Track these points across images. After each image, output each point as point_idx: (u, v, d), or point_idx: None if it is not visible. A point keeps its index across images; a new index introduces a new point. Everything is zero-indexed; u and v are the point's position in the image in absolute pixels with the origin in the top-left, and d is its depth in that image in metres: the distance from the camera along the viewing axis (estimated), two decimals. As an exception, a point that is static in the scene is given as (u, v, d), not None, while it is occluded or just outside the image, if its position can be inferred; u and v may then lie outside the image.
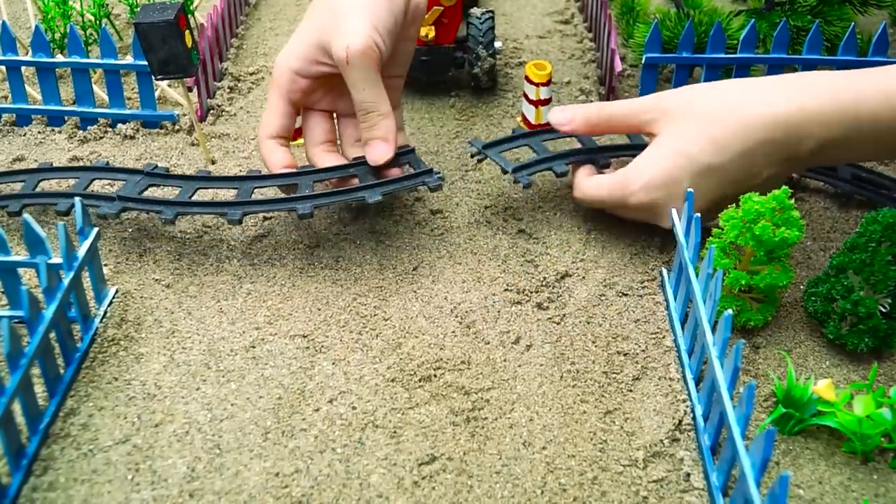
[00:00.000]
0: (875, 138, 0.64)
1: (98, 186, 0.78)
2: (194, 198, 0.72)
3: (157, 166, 0.75)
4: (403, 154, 0.73)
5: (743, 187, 0.65)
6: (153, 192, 0.75)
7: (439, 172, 0.71)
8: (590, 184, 0.72)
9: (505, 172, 0.73)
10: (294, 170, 0.73)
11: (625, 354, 0.64)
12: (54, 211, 0.72)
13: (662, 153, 0.67)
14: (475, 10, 0.90)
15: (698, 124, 0.65)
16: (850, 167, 0.77)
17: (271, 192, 0.75)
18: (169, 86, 0.93)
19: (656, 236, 0.75)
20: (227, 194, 0.77)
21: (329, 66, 0.70)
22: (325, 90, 0.73)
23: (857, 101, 0.63)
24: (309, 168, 0.73)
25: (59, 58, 0.86)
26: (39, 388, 0.59)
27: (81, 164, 0.80)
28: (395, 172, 0.72)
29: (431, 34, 0.88)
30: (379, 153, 0.71)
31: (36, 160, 0.83)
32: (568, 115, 0.73)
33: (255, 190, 0.72)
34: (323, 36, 0.69)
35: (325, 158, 0.73)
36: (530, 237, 0.74)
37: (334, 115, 0.76)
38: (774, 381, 0.61)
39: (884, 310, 0.62)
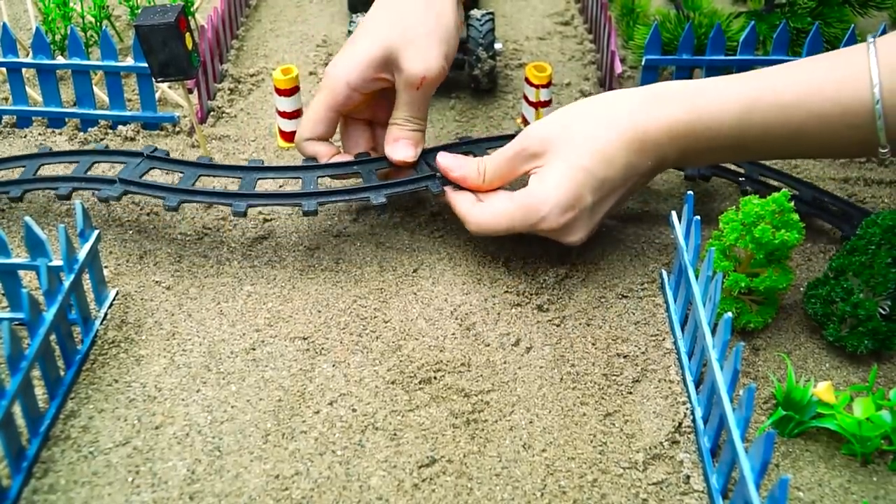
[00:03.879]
0: (731, 147, 0.67)
1: (98, 172, 0.78)
2: (197, 186, 0.72)
3: (156, 148, 0.74)
4: None
5: (622, 198, 0.69)
6: (156, 179, 0.75)
7: (442, 177, 0.71)
8: (484, 215, 0.68)
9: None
10: (300, 163, 0.74)
11: (625, 356, 0.64)
12: (55, 195, 0.72)
13: (560, 173, 0.65)
14: (475, 12, 0.90)
15: (582, 142, 0.65)
16: (813, 190, 0.77)
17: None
18: (169, 87, 0.93)
19: (656, 238, 0.75)
20: (230, 185, 0.77)
21: (388, 82, 0.72)
22: (370, 102, 0.75)
23: (706, 109, 0.65)
24: (313, 163, 0.73)
25: (60, 59, 0.86)
26: (40, 391, 0.59)
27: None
28: (399, 173, 0.73)
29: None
30: (404, 153, 0.72)
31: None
32: (457, 163, 0.70)
33: (259, 181, 0.72)
34: (391, 51, 0.70)
35: (354, 156, 0.75)
36: (530, 239, 0.73)
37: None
38: (774, 383, 0.61)
39: (883, 312, 0.63)
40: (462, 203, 0.70)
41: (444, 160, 0.71)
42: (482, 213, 0.68)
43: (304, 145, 0.74)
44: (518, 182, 0.69)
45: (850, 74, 0.61)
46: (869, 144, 0.63)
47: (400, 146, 0.72)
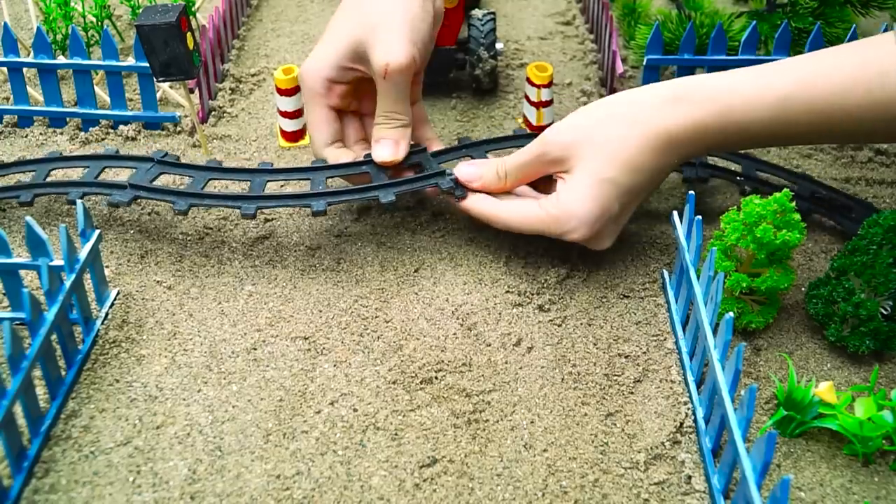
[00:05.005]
0: (761, 140, 0.67)
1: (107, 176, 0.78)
2: (206, 189, 0.72)
3: (167, 153, 0.75)
4: (415, 153, 0.73)
5: (646, 197, 0.69)
6: (164, 181, 0.75)
7: (451, 174, 0.71)
8: (512, 214, 0.68)
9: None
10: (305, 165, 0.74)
11: (626, 356, 0.64)
12: (66, 200, 0.72)
13: (587, 184, 0.65)
14: (476, 12, 0.90)
15: (608, 149, 0.65)
16: (810, 184, 0.76)
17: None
18: (170, 87, 0.93)
19: (658, 238, 0.75)
20: (239, 187, 0.77)
21: (362, 73, 0.72)
22: (354, 93, 0.75)
23: (738, 106, 0.64)
24: (321, 164, 0.73)
25: (61, 59, 0.86)
26: (41, 391, 0.59)
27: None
28: (407, 172, 0.73)
29: (433, 36, 0.88)
30: (386, 152, 0.71)
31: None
32: (478, 172, 0.70)
33: (268, 183, 0.72)
34: (358, 45, 0.70)
35: (363, 155, 0.75)
36: (532, 239, 0.73)
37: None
38: (776, 383, 0.61)
39: (885, 312, 0.62)
40: (484, 204, 0.70)
41: (464, 172, 0.70)
42: (510, 212, 0.68)
43: (324, 154, 0.74)
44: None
45: (878, 66, 0.61)
46: None
47: (382, 146, 0.72)
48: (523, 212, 0.68)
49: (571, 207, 0.65)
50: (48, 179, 0.75)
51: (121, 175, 0.79)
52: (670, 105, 0.65)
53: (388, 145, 0.71)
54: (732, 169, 0.78)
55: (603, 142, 0.65)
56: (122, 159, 0.76)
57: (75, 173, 0.78)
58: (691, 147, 0.66)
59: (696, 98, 0.65)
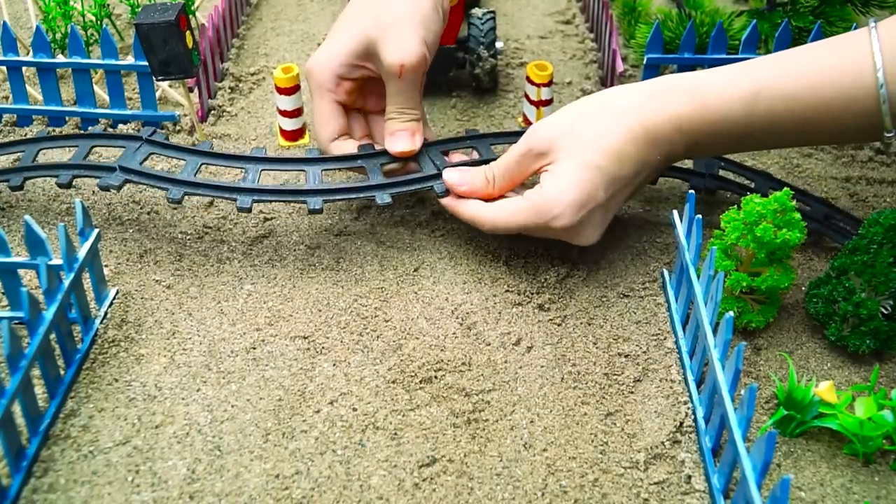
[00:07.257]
0: (737, 137, 0.66)
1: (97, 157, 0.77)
2: (201, 175, 0.71)
3: (155, 130, 0.74)
4: None
5: (632, 193, 0.69)
6: (160, 167, 0.74)
7: None
8: (498, 213, 0.67)
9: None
10: (301, 156, 0.74)
11: (626, 356, 0.64)
12: (56, 183, 0.72)
13: (571, 171, 0.65)
14: (476, 11, 0.90)
15: (592, 138, 0.65)
16: (823, 206, 0.75)
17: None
18: (170, 86, 0.93)
19: (658, 238, 0.75)
20: (233, 174, 0.77)
21: (370, 71, 0.72)
22: (359, 91, 0.75)
23: (713, 100, 0.65)
24: (317, 156, 0.73)
25: (60, 58, 0.86)
26: (40, 390, 0.59)
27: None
28: (406, 169, 0.73)
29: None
30: (403, 144, 0.72)
31: (37, 160, 0.83)
32: (465, 177, 0.70)
33: (263, 172, 0.72)
34: (369, 43, 0.70)
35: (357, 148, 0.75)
36: (531, 238, 0.73)
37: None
38: (776, 382, 0.61)
39: (885, 311, 0.62)
40: (470, 205, 0.69)
41: (450, 177, 0.70)
42: (496, 211, 0.68)
43: (330, 147, 0.74)
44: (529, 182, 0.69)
45: (852, 61, 0.61)
46: (876, 130, 0.63)
47: (398, 138, 0.72)
48: (507, 208, 0.67)
49: (555, 193, 0.65)
50: (37, 161, 0.74)
51: (111, 155, 0.78)
52: (652, 100, 0.65)
53: (405, 136, 0.72)
54: (744, 184, 0.77)
55: (587, 133, 0.65)
56: (110, 138, 0.75)
57: (64, 154, 0.78)
58: (673, 142, 0.66)
59: (674, 92, 0.65)
